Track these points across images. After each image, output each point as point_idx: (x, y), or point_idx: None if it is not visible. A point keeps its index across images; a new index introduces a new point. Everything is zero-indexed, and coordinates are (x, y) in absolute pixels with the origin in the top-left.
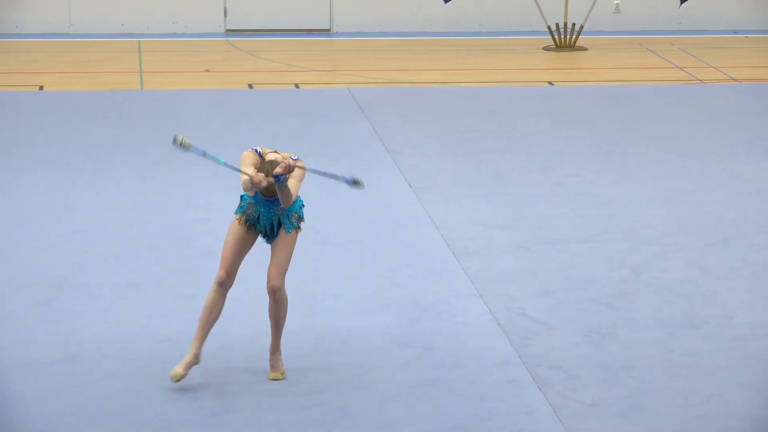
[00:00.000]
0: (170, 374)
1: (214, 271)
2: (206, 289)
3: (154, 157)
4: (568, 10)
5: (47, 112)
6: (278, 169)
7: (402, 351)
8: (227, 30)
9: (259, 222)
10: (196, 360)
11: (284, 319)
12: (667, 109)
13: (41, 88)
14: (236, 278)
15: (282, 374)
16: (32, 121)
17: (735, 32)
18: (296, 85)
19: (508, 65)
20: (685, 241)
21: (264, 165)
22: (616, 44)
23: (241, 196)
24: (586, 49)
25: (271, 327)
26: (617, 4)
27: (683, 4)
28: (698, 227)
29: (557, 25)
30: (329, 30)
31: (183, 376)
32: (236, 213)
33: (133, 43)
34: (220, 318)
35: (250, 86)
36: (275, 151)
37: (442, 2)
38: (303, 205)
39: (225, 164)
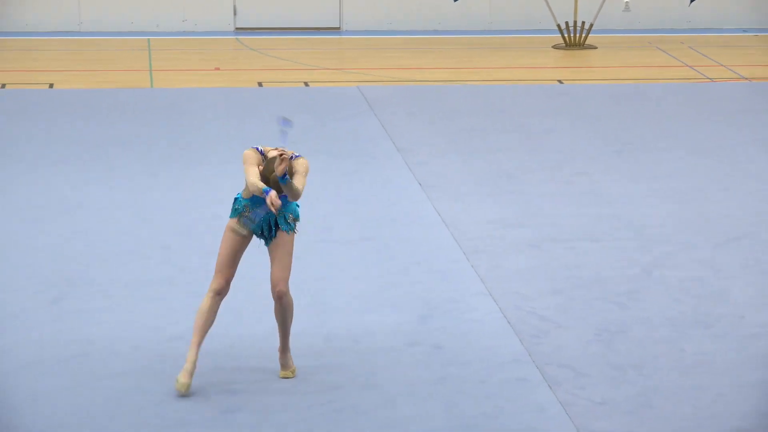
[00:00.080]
0: (177, 387)
1: None
2: None
3: (163, 154)
4: (577, 9)
5: (57, 110)
6: (278, 170)
7: (411, 349)
8: (237, 28)
9: (255, 223)
10: (195, 366)
11: (291, 321)
12: (676, 107)
13: (51, 86)
14: (246, 277)
15: (293, 372)
16: (42, 119)
17: (745, 30)
18: (305, 83)
19: (517, 64)
20: (696, 240)
21: (268, 164)
22: (625, 42)
23: (235, 199)
24: (596, 48)
25: (279, 328)
26: (627, 2)
27: (693, 3)
28: (709, 226)
29: (567, 23)
30: (338, 28)
31: (190, 385)
32: (231, 216)
33: (143, 41)
34: (230, 317)
35: (260, 84)
36: (276, 149)
37: (452, 1)
38: (298, 204)
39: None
